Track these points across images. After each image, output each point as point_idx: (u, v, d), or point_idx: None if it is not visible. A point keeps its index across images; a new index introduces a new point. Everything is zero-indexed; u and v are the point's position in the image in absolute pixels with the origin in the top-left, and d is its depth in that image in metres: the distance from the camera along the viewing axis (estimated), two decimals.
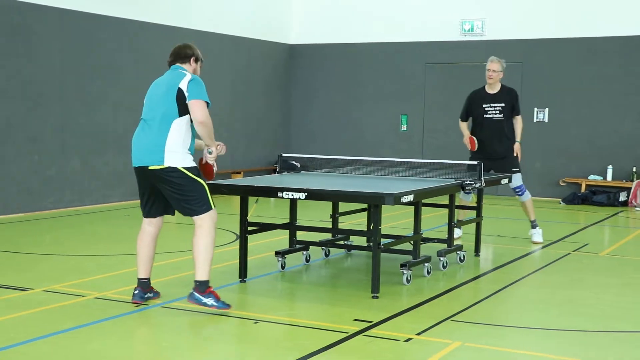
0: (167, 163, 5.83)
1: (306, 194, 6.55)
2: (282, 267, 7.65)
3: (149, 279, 6.31)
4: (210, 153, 6.11)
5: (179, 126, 5.87)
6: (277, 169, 8.35)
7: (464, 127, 9.54)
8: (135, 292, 6.28)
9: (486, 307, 6.48)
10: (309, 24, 16.63)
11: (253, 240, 7.52)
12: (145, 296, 6.28)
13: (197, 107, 5.79)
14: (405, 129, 15.81)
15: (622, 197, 13.65)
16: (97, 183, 12.57)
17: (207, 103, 5.88)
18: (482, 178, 7.61)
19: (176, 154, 5.86)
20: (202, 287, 5.94)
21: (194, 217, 5.96)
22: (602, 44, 14.18)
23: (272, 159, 16.31)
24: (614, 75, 14.15)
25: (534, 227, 9.49)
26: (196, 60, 6.16)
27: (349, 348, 5.23)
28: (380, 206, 6.53)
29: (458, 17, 15.26)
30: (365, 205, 8.81)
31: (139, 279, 6.29)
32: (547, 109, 14.56)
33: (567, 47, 14.44)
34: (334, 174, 8.42)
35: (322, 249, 8.36)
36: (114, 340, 5.36)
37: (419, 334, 5.54)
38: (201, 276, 5.94)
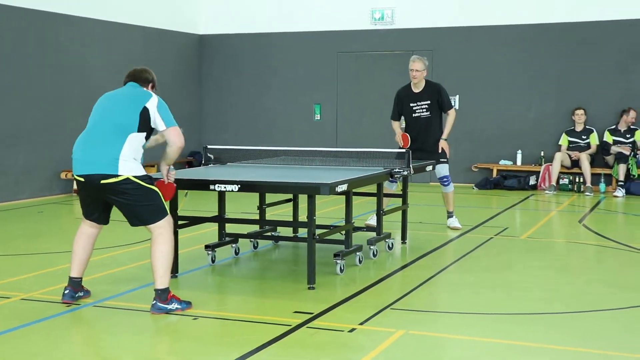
0: (121, 172, 5.67)
1: (239, 185, 6.46)
2: (212, 261, 7.54)
3: (81, 278, 6.11)
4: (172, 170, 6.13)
5: (134, 140, 5.76)
6: (203, 161, 8.20)
7: (396, 125, 9.53)
8: (66, 291, 6.06)
9: (422, 293, 6.54)
10: (218, 14, 16.40)
11: (180, 234, 7.35)
12: (77, 295, 6.08)
13: (175, 134, 5.88)
14: (318, 118, 15.82)
15: (532, 180, 14.06)
16: (6, 180, 12.08)
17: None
18: (411, 165, 7.68)
19: (129, 164, 5.72)
20: (164, 294, 5.81)
21: (151, 226, 5.82)
22: (507, 31, 14.54)
23: (185, 152, 16.05)
24: (520, 62, 14.53)
25: (450, 216, 9.69)
26: (153, 87, 6.14)
27: (294, 341, 5.19)
28: (314, 196, 6.50)
29: (368, 5, 15.34)
30: (290, 196, 8.80)
31: (71, 278, 6.07)
32: (457, 96, 14.82)
33: (475, 35, 14.75)
34: (261, 165, 8.33)
35: (251, 241, 8.27)
36: (50, 342, 5.15)
37: (361, 323, 5.54)
38: (162, 284, 5.81)
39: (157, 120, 5.81)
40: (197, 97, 16.47)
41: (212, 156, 8.29)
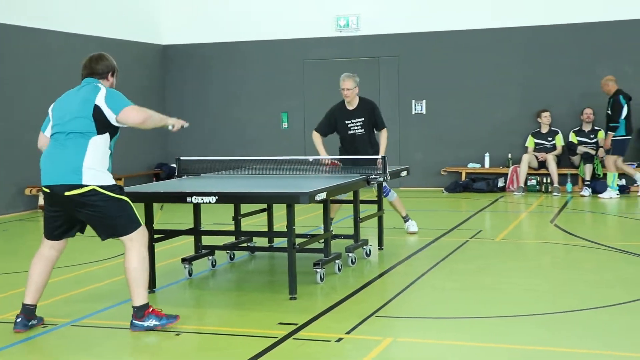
0: (86, 182, 5.36)
1: (217, 197, 6.37)
2: (190, 274, 7.42)
3: (35, 305, 5.71)
4: (172, 128, 5.93)
5: (97, 145, 5.44)
6: (177, 173, 8.08)
7: (319, 142, 9.19)
8: (18, 319, 5.61)
9: (405, 300, 6.50)
10: (181, 24, 16.26)
11: (156, 248, 7.22)
12: (29, 324, 5.66)
13: (129, 114, 5.44)
14: (286, 126, 15.76)
15: (501, 182, 14.14)
16: None
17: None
18: (387, 171, 7.65)
19: (94, 172, 5.41)
20: (142, 311, 5.54)
21: (123, 238, 5.54)
22: (471, 36, 14.63)
23: (151, 164, 15.88)
24: (484, 66, 14.62)
25: (406, 220, 9.70)
26: (113, 74, 5.77)
27: (282, 353, 5.11)
28: (293, 205, 6.44)
29: (333, 12, 15.33)
30: (265, 205, 8.72)
31: (24, 305, 5.65)
32: (424, 101, 14.88)
33: (440, 40, 14.81)
34: (236, 175, 8.23)
35: (227, 252, 8.18)
36: None
37: (347, 332, 5.48)
38: (140, 301, 5.55)
39: (108, 113, 5.42)
40: (161, 108, 16.25)
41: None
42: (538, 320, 5.76)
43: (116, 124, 5.52)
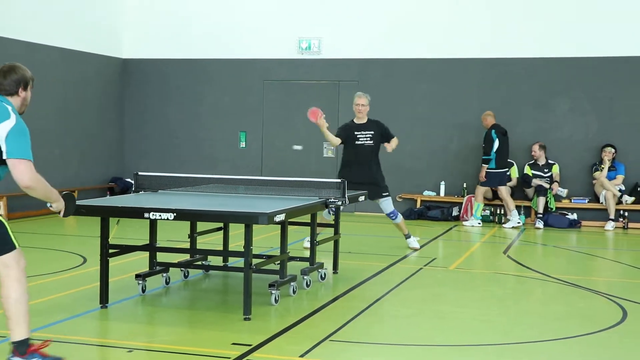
0: None
1: (175, 214, 6.31)
2: (143, 291, 7.32)
3: None
4: (51, 207, 5.09)
5: None
6: (134, 188, 7.99)
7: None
8: None
9: (360, 324, 6.50)
10: (142, 38, 16.17)
11: (110, 262, 7.11)
12: None
13: (22, 170, 4.70)
14: (244, 145, 15.72)
15: (455, 211, 14.27)
16: None
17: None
18: (346, 195, 7.66)
19: None
20: (23, 347, 4.89)
21: None
22: (430, 64, 14.81)
23: (106, 178, 15.69)
24: (442, 95, 14.79)
25: (407, 237, 10.46)
26: (25, 87, 5.06)
27: None
28: (251, 226, 6.41)
29: (295, 35, 15.40)
30: (220, 224, 8.68)
31: None
32: None
33: (400, 67, 14.95)
34: (193, 192, 8.16)
35: (182, 270, 8.10)
36: None
37: (302, 355, 5.46)
38: (20, 335, 4.88)
39: (3, 148, 4.72)
40: (119, 121, 16.13)
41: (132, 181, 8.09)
42: (493, 351, 5.80)
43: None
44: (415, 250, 10.35)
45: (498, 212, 14.02)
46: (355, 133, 9.91)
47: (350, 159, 9.94)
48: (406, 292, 7.81)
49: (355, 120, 10.04)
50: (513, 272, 9.23)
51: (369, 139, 9.92)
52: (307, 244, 9.34)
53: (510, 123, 14.35)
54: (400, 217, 10.33)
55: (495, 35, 14.56)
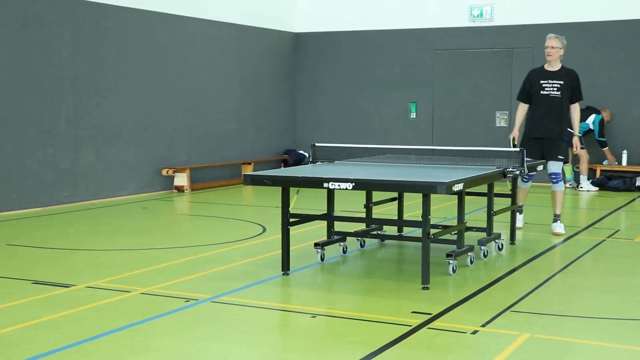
0: None
1: (353, 184, 6.41)
2: (322, 259, 7.50)
3: None
4: None
5: None
6: (311, 159, 8.18)
7: (521, 112, 9.04)
8: None
9: (541, 296, 6.35)
10: (313, 12, 16.42)
11: (291, 231, 7.34)
12: None
13: None
14: (414, 116, 15.67)
15: (639, 182, 13.58)
16: (110, 176, 12.34)
17: None
18: (525, 165, 7.48)
19: None
20: None
21: None
22: (612, 27, 14.09)
23: (279, 150, 16.13)
24: (624, 59, 14.08)
25: (555, 220, 9.07)
26: None
27: (417, 342, 5.10)
28: (429, 195, 6.40)
29: (467, 3, 15.11)
30: (394, 194, 8.72)
31: None
32: None
33: (577, 31, 14.33)
34: (369, 163, 8.24)
35: (358, 239, 8.22)
36: (173, 336, 5.20)
37: (483, 325, 5.42)
38: None
39: None
40: (291, 95, 16.52)
41: (306, 154, 8.26)
42: None
43: None
44: (559, 235, 8.91)
45: None
46: (541, 82, 8.76)
47: (534, 110, 8.85)
48: (589, 264, 7.56)
49: (545, 67, 8.88)
50: None
51: (556, 89, 8.70)
52: (520, 224, 9.16)
53: None
54: (561, 186, 8.95)
55: None
